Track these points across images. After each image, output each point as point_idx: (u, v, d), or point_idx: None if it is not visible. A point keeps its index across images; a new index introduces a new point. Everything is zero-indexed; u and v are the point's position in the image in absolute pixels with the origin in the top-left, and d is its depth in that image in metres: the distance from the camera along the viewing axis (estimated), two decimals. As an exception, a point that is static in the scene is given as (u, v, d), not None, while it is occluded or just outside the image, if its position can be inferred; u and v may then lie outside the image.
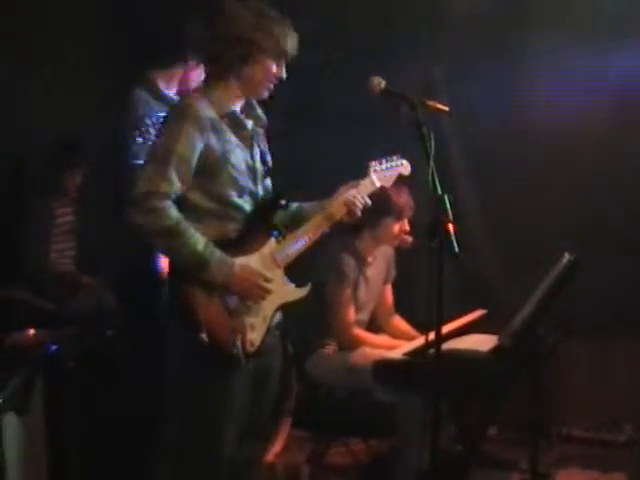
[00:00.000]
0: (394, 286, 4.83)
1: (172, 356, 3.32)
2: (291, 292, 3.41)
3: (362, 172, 3.60)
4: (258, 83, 3.32)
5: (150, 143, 3.75)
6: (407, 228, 4.55)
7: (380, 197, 4.15)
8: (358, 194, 3.49)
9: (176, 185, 3.13)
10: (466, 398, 4.15)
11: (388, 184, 3.66)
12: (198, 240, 3.14)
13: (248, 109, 3.41)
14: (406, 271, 4.85)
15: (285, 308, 3.44)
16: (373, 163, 3.60)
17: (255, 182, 3.37)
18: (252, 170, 3.36)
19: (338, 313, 4.46)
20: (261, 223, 3.36)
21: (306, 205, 3.55)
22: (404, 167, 3.70)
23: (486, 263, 5.47)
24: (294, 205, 3.54)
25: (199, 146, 3.17)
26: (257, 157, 3.40)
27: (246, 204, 3.33)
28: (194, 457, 3.31)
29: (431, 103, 3.30)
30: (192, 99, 3.27)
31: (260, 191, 3.40)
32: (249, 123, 3.39)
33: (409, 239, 4.57)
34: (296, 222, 3.48)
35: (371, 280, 4.65)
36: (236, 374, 3.27)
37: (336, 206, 3.47)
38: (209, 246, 3.16)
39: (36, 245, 4.98)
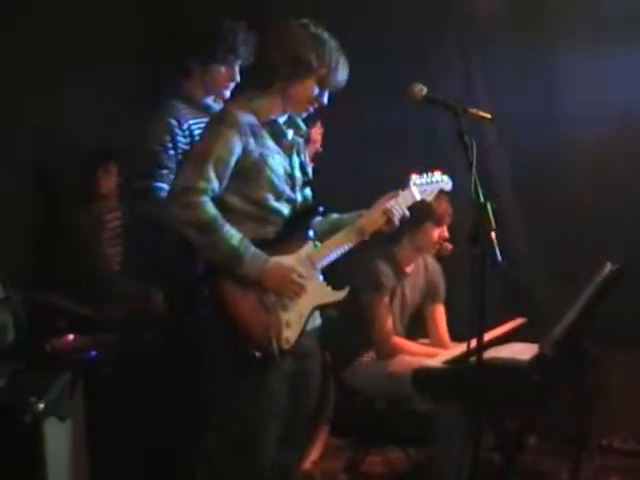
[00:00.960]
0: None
1: (210, 355, 3.37)
2: (328, 294, 3.46)
3: (400, 183, 3.65)
4: (299, 101, 3.42)
5: (172, 152, 3.79)
6: (446, 235, 4.56)
7: (419, 203, 4.21)
8: (397, 204, 3.54)
9: (213, 183, 3.23)
10: (506, 407, 4.14)
11: (429, 198, 3.70)
12: (233, 236, 3.22)
13: (289, 119, 3.48)
14: (449, 278, 4.85)
15: (323, 310, 3.50)
16: (414, 176, 3.64)
17: (293, 189, 3.45)
18: (290, 177, 3.44)
19: (376, 321, 4.47)
20: (299, 228, 3.43)
21: (346, 216, 3.60)
22: (445, 183, 3.74)
23: (529, 271, 5.45)
24: (333, 216, 3.60)
25: (237, 149, 3.27)
26: (296, 165, 3.48)
27: (284, 208, 3.40)
28: (235, 458, 3.34)
29: (473, 110, 3.29)
30: (233, 107, 3.38)
31: (299, 198, 3.48)
32: (289, 132, 3.47)
33: (449, 246, 4.57)
34: (335, 232, 3.52)
35: (408, 293, 4.65)
36: (272, 372, 3.31)
37: (375, 215, 3.52)
38: (244, 242, 3.25)
39: (85, 251, 5.06)
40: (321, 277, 3.46)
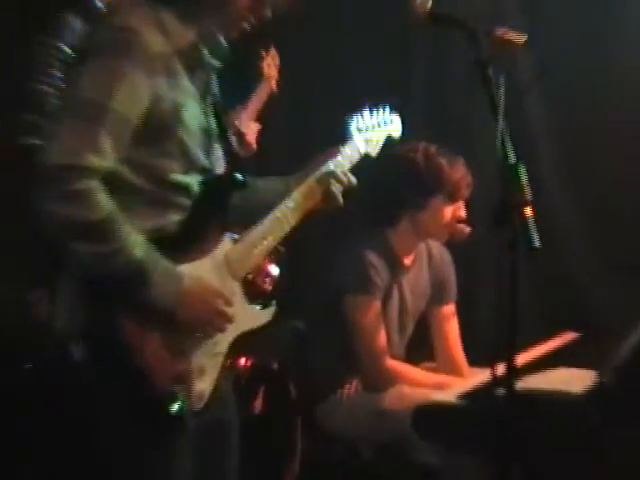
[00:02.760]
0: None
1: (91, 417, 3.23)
2: (253, 317, 3.38)
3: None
4: (228, 14, 3.25)
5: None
6: (463, 214, 4.58)
7: (427, 170, 4.20)
8: (338, 168, 3.50)
9: (108, 158, 2.98)
10: (550, 460, 4.10)
11: (374, 152, 3.73)
12: (136, 243, 3.02)
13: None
14: (464, 276, 4.84)
15: (244, 340, 3.36)
16: (355, 121, 3.67)
17: (208, 151, 3.29)
18: (206, 133, 3.27)
19: (363, 336, 4.47)
20: (213, 213, 3.31)
21: (262, 183, 3.54)
22: (394, 126, 3.82)
23: (581, 264, 5.47)
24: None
25: (144, 98, 3.04)
26: (210, 111, 3.31)
27: (194, 185, 3.23)
28: None
29: (500, 32, 3.22)
30: (136, 23, 3.09)
31: (213, 165, 3.32)
32: (205, 54, 3.27)
33: (466, 229, 4.59)
34: (255, 211, 3.42)
35: (407, 294, 4.69)
36: (177, 442, 3.17)
37: (306, 190, 3.45)
38: (150, 251, 3.04)
39: None
40: (242, 292, 3.34)
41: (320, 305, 4.30)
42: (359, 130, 3.65)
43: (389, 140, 3.79)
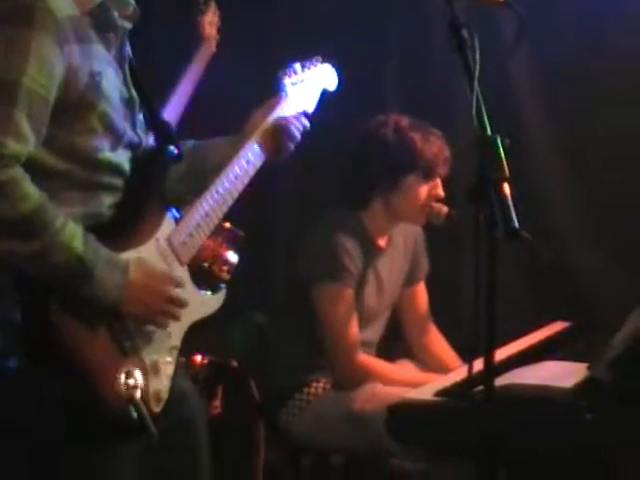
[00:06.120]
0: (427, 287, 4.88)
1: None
2: (204, 303, 3.36)
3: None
4: None
5: None
6: (440, 193, 4.56)
7: (398, 146, 4.20)
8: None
9: (30, 141, 2.89)
10: (538, 465, 4.11)
11: (312, 107, 3.71)
12: (74, 233, 2.93)
13: None
14: (443, 262, 4.82)
15: (195, 332, 3.32)
16: (287, 75, 3.67)
17: (133, 123, 3.23)
18: (128, 103, 3.21)
19: (333, 328, 4.48)
20: (149, 192, 3.27)
21: (209, 146, 3.54)
22: (329, 77, 3.80)
23: (572, 247, 5.51)
24: (188, 144, 3.48)
25: (59, 70, 2.95)
26: (129, 77, 3.25)
27: (124, 161, 3.18)
28: None
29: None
30: None
31: (141, 138, 3.28)
32: (115, 16, 3.18)
33: (444, 210, 4.56)
34: (195, 177, 3.42)
35: (384, 277, 4.70)
36: (131, 455, 3.12)
37: (267, 133, 3.49)
38: (90, 241, 2.96)
39: None
40: (189, 277, 3.31)
41: (285, 296, 4.27)
42: (293, 85, 3.64)
43: (326, 93, 3.79)
